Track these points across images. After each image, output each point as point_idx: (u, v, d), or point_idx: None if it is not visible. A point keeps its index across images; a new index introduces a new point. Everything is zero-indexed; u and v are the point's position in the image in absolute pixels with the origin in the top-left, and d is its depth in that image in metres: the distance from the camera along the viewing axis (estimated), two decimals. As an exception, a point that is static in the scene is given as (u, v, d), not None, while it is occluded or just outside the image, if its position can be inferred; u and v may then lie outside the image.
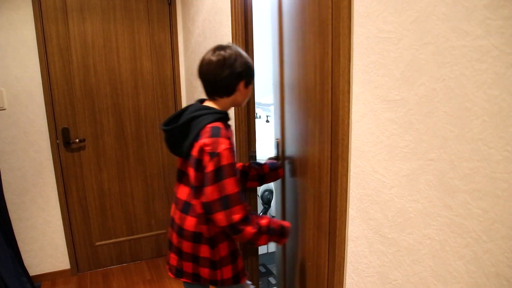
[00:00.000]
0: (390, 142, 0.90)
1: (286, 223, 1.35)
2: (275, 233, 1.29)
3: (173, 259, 1.40)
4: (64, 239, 2.62)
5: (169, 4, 2.64)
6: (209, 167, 1.19)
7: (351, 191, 1.08)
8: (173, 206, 1.41)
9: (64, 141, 2.51)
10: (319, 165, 1.28)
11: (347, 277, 1.14)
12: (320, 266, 1.34)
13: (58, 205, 2.57)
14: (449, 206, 0.75)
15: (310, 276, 1.44)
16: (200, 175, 1.24)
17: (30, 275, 2.50)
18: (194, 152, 1.23)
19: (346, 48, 1.01)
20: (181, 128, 1.28)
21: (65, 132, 2.50)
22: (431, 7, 0.74)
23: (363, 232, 1.04)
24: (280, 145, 1.66)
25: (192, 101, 2.63)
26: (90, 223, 2.69)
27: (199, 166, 1.23)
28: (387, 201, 0.93)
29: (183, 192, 1.35)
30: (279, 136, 1.66)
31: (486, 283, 0.69)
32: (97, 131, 2.59)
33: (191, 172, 1.26)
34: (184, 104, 2.81)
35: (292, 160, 1.54)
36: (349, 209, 1.09)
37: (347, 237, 1.12)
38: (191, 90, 2.63)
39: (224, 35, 1.92)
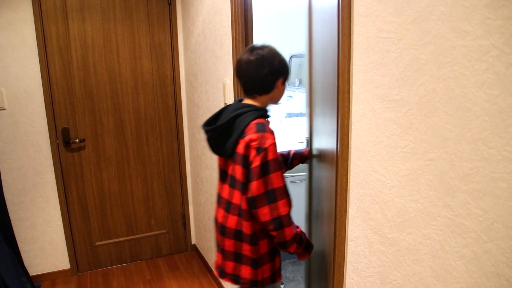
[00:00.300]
0: (390, 142, 0.90)
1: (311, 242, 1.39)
2: (302, 245, 1.32)
3: (219, 258, 1.43)
4: (64, 239, 2.62)
5: (169, 4, 2.64)
6: (256, 162, 1.21)
7: (351, 191, 1.08)
8: (216, 206, 1.43)
9: (64, 141, 2.51)
10: (331, 164, 1.29)
11: (347, 277, 1.14)
12: (331, 264, 1.35)
13: (58, 205, 2.57)
14: (449, 206, 0.75)
15: (326, 273, 1.46)
16: (247, 171, 1.26)
17: (30, 275, 2.50)
18: (240, 149, 1.25)
19: (346, 48, 1.01)
20: (224, 127, 1.30)
21: (65, 132, 2.50)
22: (431, 7, 0.74)
23: (363, 232, 1.04)
24: (309, 142, 1.70)
25: (192, 101, 2.63)
26: (90, 223, 2.69)
27: (246, 162, 1.25)
28: (387, 201, 0.93)
29: (226, 191, 1.37)
30: (308, 134, 1.70)
31: (486, 283, 0.69)
32: (97, 131, 2.59)
33: (238, 169, 1.27)
34: (184, 104, 2.81)
35: (316, 158, 1.57)
36: (349, 209, 1.09)
37: (347, 237, 1.12)
38: (191, 90, 2.63)
39: (224, 35, 1.92)
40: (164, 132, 2.79)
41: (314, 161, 1.62)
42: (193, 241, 3.03)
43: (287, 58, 3.44)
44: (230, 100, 1.90)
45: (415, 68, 0.79)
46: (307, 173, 1.73)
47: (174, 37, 2.69)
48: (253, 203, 1.23)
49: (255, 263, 1.33)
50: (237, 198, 1.30)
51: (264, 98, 1.34)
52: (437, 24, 0.73)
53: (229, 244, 1.35)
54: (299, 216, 1.65)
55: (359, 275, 1.07)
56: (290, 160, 1.60)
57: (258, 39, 1.86)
